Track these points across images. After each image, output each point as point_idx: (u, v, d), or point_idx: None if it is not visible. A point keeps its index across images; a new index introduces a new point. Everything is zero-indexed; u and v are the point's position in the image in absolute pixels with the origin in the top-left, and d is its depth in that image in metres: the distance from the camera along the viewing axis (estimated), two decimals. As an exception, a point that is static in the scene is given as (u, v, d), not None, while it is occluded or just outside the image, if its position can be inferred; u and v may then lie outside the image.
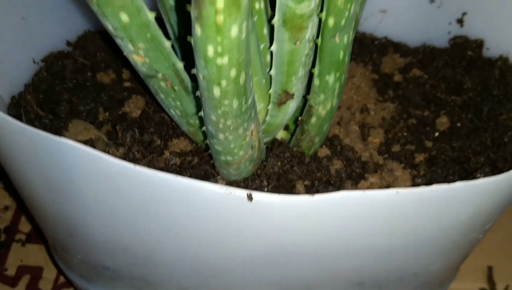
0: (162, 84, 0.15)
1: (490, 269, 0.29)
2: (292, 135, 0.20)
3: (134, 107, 0.21)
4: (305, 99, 0.18)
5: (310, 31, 0.15)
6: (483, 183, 0.13)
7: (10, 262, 0.27)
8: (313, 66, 0.16)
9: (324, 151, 0.19)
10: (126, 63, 0.22)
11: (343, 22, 0.14)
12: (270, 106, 0.18)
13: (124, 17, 0.12)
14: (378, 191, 0.13)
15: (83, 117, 0.20)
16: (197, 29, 0.10)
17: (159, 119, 0.21)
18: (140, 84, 0.21)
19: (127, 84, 0.21)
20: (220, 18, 0.10)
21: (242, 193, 0.13)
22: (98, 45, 0.21)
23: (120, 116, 0.21)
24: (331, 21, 0.14)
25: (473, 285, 0.28)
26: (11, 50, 0.19)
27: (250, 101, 0.14)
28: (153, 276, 0.18)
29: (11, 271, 0.27)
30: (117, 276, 0.19)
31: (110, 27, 0.13)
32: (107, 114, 0.21)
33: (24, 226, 0.29)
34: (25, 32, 0.19)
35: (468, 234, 0.17)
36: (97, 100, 0.21)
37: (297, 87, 0.17)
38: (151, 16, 0.13)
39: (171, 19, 0.17)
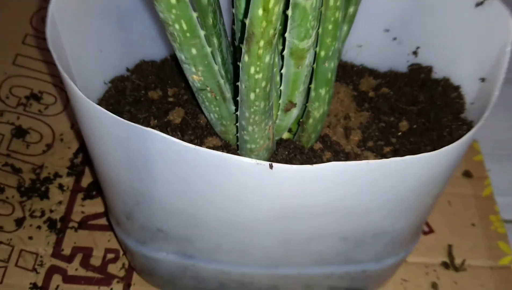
0: (209, 95, 0.22)
1: (450, 246, 0.36)
2: (294, 135, 0.27)
3: (176, 116, 0.28)
4: (304, 107, 0.25)
5: (308, 59, 0.22)
6: (424, 156, 0.20)
7: (66, 244, 0.34)
8: (310, 82, 0.24)
9: (318, 145, 0.26)
10: (170, 84, 0.30)
11: (330, 53, 0.22)
12: (279, 112, 0.25)
13: (194, 51, 0.19)
14: (355, 162, 0.20)
15: (140, 123, 0.27)
16: (246, 57, 0.17)
17: (195, 124, 0.28)
18: (181, 99, 0.29)
19: (170, 99, 0.28)
20: (260, 51, 0.17)
21: (266, 163, 0.20)
22: (150, 71, 0.29)
23: (166, 123, 0.28)
24: (322, 53, 0.22)
25: (437, 259, 0.35)
26: (91, 75, 0.26)
27: (271, 104, 0.21)
28: (195, 235, 0.25)
29: (66, 251, 0.34)
30: (167, 237, 0.25)
31: (183, 57, 0.20)
32: (156, 121, 0.28)
33: (76, 216, 0.35)
34: (100, 61, 0.27)
35: (421, 199, 0.24)
36: (149, 111, 0.28)
37: (298, 99, 0.24)
38: (209, 50, 0.20)
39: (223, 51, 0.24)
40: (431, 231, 0.36)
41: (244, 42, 0.17)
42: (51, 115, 0.40)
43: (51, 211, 0.35)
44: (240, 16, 0.20)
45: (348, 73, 0.30)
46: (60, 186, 0.36)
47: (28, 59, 0.43)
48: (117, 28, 0.26)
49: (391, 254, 0.27)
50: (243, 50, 0.17)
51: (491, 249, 0.35)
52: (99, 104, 0.26)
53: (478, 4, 0.23)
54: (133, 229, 0.27)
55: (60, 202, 0.35)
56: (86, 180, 0.36)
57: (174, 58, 0.30)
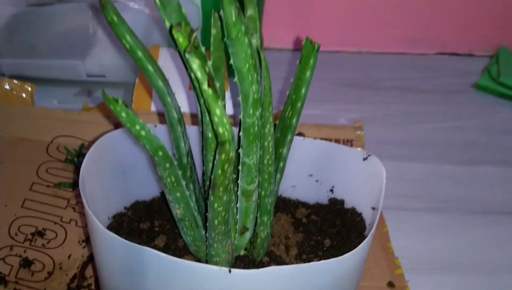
0: (187, 223, 0.32)
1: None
2: (248, 252, 0.37)
3: (160, 241, 0.38)
4: (254, 230, 0.35)
5: (254, 197, 0.33)
6: (332, 260, 0.30)
7: None
8: (257, 213, 0.34)
9: (266, 259, 0.36)
10: (156, 217, 0.40)
11: (268, 193, 0.32)
12: (237, 235, 0.35)
13: (178, 194, 0.30)
14: (287, 266, 0.30)
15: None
16: (211, 197, 0.28)
17: (175, 246, 0.37)
18: (164, 228, 0.38)
19: (156, 229, 0.38)
20: (220, 194, 0.28)
21: (226, 268, 0.30)
22: (141, 208, 0.39)
23: (153, 246, 0.37)
24: (263, 193, 0.32)
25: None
26: (101, 212, 0.36)
27: (229, 227, 0.31)
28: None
29: None
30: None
31: (170, 198, 0.30)
32: (145, 245, 0.37)
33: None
34: (106, 202, 0.37)
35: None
36: (140, 238, 0.37)
37: (250, 224, 0.34)
38: (187, 193, 0.30)
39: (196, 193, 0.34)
40: None
41: (210, 188, 0.28)
42: (52, 248, 0.48)
43: None
44: (208, 172, 0.31)
45: (287, 205, 0.40)
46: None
47: (34, 202, 0.52)
48: (121, 180, 0.37)
49: None
50: (210, 193, 0.28)
51: None
52: (104, 234, 0.36)
53: (364, 159, 0.35)
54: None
55: None
56: (81, 301, 0.44)
57: (159, 198, 0.40)
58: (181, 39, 0.23)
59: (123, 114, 0.24)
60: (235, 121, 0.55)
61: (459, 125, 0.70)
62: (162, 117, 0.57)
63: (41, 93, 0.64)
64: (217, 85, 0.33)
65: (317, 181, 0.39)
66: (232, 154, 0.25)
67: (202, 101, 0.28)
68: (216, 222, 0.29)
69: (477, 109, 0.74)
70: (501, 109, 0.74)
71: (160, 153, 0.27)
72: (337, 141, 0.61)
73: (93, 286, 0.44)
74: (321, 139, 0.60)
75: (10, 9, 0.61)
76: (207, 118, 0.28)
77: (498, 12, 0.82)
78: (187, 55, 0.22)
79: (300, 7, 0.81)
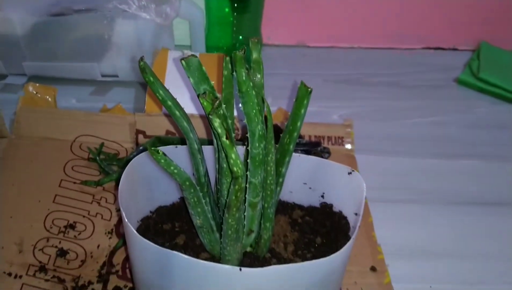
0: (205, 229, 0.40)
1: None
2: (253, 249, 0.44)
3: (180, 239, 0.45)
4: (258, 232, 0.43)
5: (259, 207, 0.41)
6: (323, 260, 0.38)
7: None
8: (261, 219, 0.42)
9: (268, 255, 0.44)
10: (176, 219, 0.47)
11: (270, 205, 0.40)
12: (244, 236, 0.43)
13: (199, 209, 0.37)
14: (287, 264, 0.38)
15: (160, 245, 0.44)
16: (226, 215, 0.35)
17: (193, 245, 0.45)
18: (183, 229, 0.46)
19: (177, 229, 0.46)
20: (234, 212, 0.35)
21: (237, 267, 0.37)
22: (164, 212, 0.46)
23: (174, 244, 0.45)
24: (266, 205, 0.40)
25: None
26: (132, 217, 0.43)
27: (239, 234, 0.38)
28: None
29: None
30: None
31: (192, 212, 0.37)
32: (168, 244, 0.45)
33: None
34: (136, 209, 0.44)
35: (328, 283, 0.41)
36: (164, 238, 0.45)
37: (255, 228, 0.42)
38: (206, 208, 0.38)
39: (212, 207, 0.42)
40: None
41: (226, 208, 0.35)
42: (83, 239, 0.56)
43: None
44: (224, 193, 0.38)
45: (285, 208, 0.48)
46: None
47: (64, 198, 0.59)
48: (148, 190, 0.44)
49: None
50: (225, 211, 0.36)
51: None
52: (135, 235, 0.44)
53: (349, 173, 0.43)
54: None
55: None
56: (111, 285, 0.52)
57: (178, 203, 0.48)
58: (205, 104, 0.30)
59: (162, 161, 0.31)
60: (238, 117, 0.63)
61: (440, 120, 0.77)
62: (170, 118, 0.64)
63: (60, 92, 0.70)
64: (228, 114, 0.40)
65: (310, 188, 0.47)
66: (243, 185, 0.33)
67: (220, 145, 0.35)
68: (229, 232, 0.37)
69: (458, 104, 0.81)
70: (481, 104, 0.81)
71: (187, 183, 0.35)
72: (329, 138, 0.69)
73: (120, 272, 0.52)
74: (316, 136, 0.68)
75: (33, 19, 0.67)
76: (223, 154, 0.35)
77: (481, 7, 0.88)
78: (210, 116, 0.29)
79: (298, 5, 0.87)
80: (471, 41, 0.91)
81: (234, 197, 0.33)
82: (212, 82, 0.35)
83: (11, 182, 0.60)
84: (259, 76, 0.38)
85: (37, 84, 0.68)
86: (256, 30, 0.81)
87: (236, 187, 0.32)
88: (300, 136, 0.67)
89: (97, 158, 0.63)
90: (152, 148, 0.31)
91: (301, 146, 0.65)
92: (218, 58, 0.71)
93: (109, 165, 0.62)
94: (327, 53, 0.90)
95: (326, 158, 0.66)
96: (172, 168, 0.32)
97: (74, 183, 0.61)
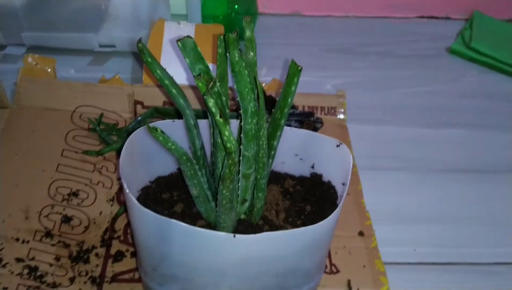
0: (201, 199, 0.42)
1: (349, 280, 0.55)
2: (247, 216, 0.47)
3: (178, 208, 0.48)
4: (251, 201, 0.45)
5: (252, 178, 0.43)
6: (312, 227, 0.41)
7: None
8: (254, 189, 0.44)
9: (261, 222, 0.46)
10: (174, 189, 0.50)
11: (262, 176, 0.43)
12: (238, 205, 0.45)
13: (195, 181, 0.40)
14: (278, 231, 0.40)
15: (159, 213, 0.47)
16: (221, 186, 0.38)
17: (190, 213, 0.47)
18: (181, 198, 0.49)
19: (175, 198, 0.48)
20: (228, 183, 0.38)
21: (231, 234, 0.40)
22: (162, 182, 0.49)
23: (172, 212, 0.47)
24: (258, 176, 0.42)
25: (340, 289, 0.55)
26: (133, 187, 0.46)
27: (233, 203, 0.41)
28: (193, 278, 0.44)
29: None
30: (177, 280, 0.45)
31: (189, 183, 0.40)
32: (166, 211, 0.48)
33: (108, 274, 0.53)
34: (136, 179, 0.47)
35: (316, 249, 0.44)
36: (163, 206, 0.47)
37: (248, 197, 0.45)
38: (202, 180, 0.40)
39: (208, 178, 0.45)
40: (337, 271, 0.55)
41: (220, 181, 0.38)
42: (86, 206, 0.58)
43: (92, 271, 0.51)
44: (218, 167, 0.41)
45: (277, 177, 0.51)
46: (96, 254, 0.53)
47: (66, 167, 0.62)
48: (147, 162, 0.47)
49: (305, 283, 0.47)
50: (220, 184, 0.38)
51: (375, 282, 0.53)
52: (135, 204, 0.46)
53: (337, 146, 0.45)
54: (156, 276, 0.46)
55: (97, 265, 0.53)
56: (114, 249, 0.55)
57: (176, 174, 0.50)
58: (201, 85, 0.32)
59: (160, 138, 0.34)
60: (233, 91, 0.64)
61: (430, 89, 0.79)
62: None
63: (58, 63, 0.71)
64: (222, 90, 0.42)
65: (301, 159, 0.49)
66: (236, 160, 0.35)
67: (214, 122, 0.37)
68: (224, 202, 0.40)
69: (448, 73, 0.82)
70: (471, 73, 0.83)
71: (184, 157, 0.37)
72: (322, 108, 0.71)
73: (122, 237, 0.55)
74: (309, 106, 0.70)
75: (30, -10, 0.68)
76: (217, 130, 0.37)
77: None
78: (205, 97, 0.32)
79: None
80: (464, 10, 0.92)
81: (228, 171, 0.36)
82: (207, 62, 0.37)
83: (15, 152, 0.62)
84: (252, 54, 0.40)
85: (36, 55, 0.69)
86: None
87: (230, 161, 0.35)
88: (294, 107, 0.69)
89: (97, 128, 0.65)
90: (151, 126, 0.33)
91: (295, 117, 0.67)
92: (214, 28, 0.73)
93: (109, 135, 0.65)
94: (322, 22, 0.91)
95: (319, 128, 0.68)
96: (169, 144, 0.35)
97: (76, 152, 0.64)
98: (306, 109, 0.70)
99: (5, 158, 0.61)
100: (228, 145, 0.34)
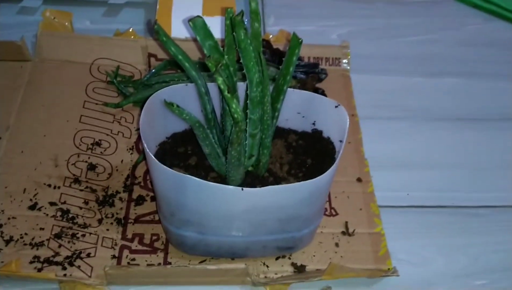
0: (212, 156, 0.48)
1: (346, 222, 0.62)
2: (254, 168, 0.53)
3: (192, 161, 0.53)
4: (258, 156, 0.50)
5: (257, 137, 0.48)
6: (311, 181, 0.46)
7: (128, 232, 0.58)
8: (259, 146, 0.49)
9: (266, 174, 0.52)
10: (189, 143, 0.55)
11: (267, 136, 0.48)
12: (246, 159, 0.51)
13: (207, 142, 0.45)
14: (282, 185, 0.46)
15: (174, 165, 0.52)
16: (230, 148, 0.43)
17: (203, 165, 0.53)
18: (194, 152, 0.54)
19: (189, 152, 0.53)
20: (236, 146, 0.43)
21: (239, 188, 0.46)
22: (177, 138, 0.54)
23: (187, 165, 0.53)
24: (263, 136, 0.47)
25: (338, 230, 0.61)
26: (151, 143, 0.51)
27: (241, 159, 0.46)
28: (206, 222, 0.50)
29: (129, 236, 0.57)
30: (192, 223, 0.51)
31: (202, 143, 0.45)
32: (182, 164, 0.53)
33: (132, 216, 0.60)
34: (154, 135, 0.52)
35: (315, 199, 0.49)
36: (178, 159, 0.53)
37: (255, 152, 0.50)
38: (213, 140, 0.45)
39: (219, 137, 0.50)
40: (336, 214, 0.61)
41: (229, 144, 0.43)
42: (109, 155, 0.64)
43: (117, 213, 0.57)
44: (228, 131, 0.46)
45: (281, 133, 0.55)
46: (120, 199, 0.60)
47: (88, 118, 0.67)
48: (163, 120, 0.52)
49: (305, 227, 0.53)
50: (229, 146, 0.43)
51: (370, 223, 0.58)
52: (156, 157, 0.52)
53: (336, 106, 0.50)
54: (173, 220, 0.52)
55: (121, 208, 0.59)
56: (135, 194, 0.61)
57: (191, 130, 0.55)
58: (210, 65, 0.36)
59: (176, 111, 0.38)
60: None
61: (433, 38, 0.82)
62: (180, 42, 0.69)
63: (74, 15, 0.75)
64: (230, 58, 0.46)
65: (303, 117, 0.54)
66: (243, 127, 0.40)
67: (222, 97, 0.42)
68: (233, 160, 0.45)
69: (452, 21, 0.84)
70: (474, 21, 0.85)
71: (197, 124, 0.42)
72: (327, 59, 0.74)
73: (142, 183, 0.61)
74: (314, 57, 0.73)
75: None
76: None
77: None
78: (214, 76, 0.36)
79: None
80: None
81: (235, 136, 0.41)
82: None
83: (41, 103, 0.67)
84: (257, 25, 0.44)
85: (53, 10, 0.72)
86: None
87: (237, 129, 0.40)
88: (300, 58, 0.72)
89: (115, 80, 0.69)
90: (167, 101, 0.37)
91: (300, 68, 0.71)
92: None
93: (126, 87, 0.69)
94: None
95: (323, 78, 0.72)
96: (184, 115, 0.40)
97: (96, 104, 0.69)
98: (311, 60, 0.73)
99: (32, 109, 0.67)
100: (235, 115, 0.38)
